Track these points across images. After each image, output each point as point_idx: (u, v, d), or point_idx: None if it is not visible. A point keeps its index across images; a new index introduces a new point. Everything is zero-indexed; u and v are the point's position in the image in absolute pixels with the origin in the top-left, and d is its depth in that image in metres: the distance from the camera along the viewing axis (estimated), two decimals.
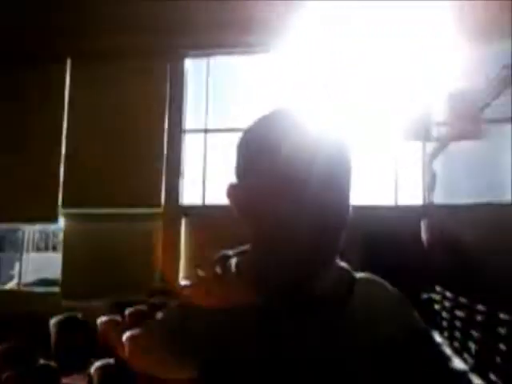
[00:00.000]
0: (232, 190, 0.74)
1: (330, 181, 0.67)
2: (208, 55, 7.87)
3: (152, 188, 7.54)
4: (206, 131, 7.81)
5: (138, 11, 7.28)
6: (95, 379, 2.15)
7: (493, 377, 3.05)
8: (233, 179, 0.75)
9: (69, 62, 7.84)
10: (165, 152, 7.64)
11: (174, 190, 7.59)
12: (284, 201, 0.67)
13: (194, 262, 7.07)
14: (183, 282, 7.06)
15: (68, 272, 7.31)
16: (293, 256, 0.69)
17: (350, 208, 0.71)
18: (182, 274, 7.32)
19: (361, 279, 0.79)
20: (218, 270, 0.75)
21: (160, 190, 7.57)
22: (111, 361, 2.34)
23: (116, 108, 7.52)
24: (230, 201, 0.74)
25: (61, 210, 7.52)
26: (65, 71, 7.81)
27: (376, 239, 6.73)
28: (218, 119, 7.81)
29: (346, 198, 0.70)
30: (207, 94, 7.84)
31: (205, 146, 7.80)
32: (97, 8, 7.35)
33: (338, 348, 0.70)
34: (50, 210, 7.41)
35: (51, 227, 7.25)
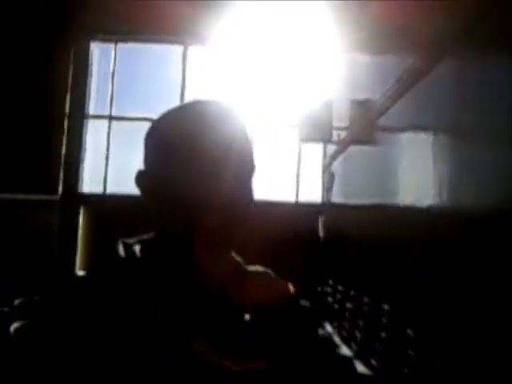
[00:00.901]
0: (140, 177, 0.77)
1: (232, 174, 0.72)
2: (116, 40, 7.62)
3: (49, 174, 7.15)
4: (110, 118, 7.56)
5: None
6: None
7: (374, 362, 3.33)
8: (140, 167, 0.78)
9: None
10: (65, 137, 7.28)
11: (72, 177, 7.26)
12: (187, 190, 0.72)
13: (92, 252, 6.84)
14: (80, 272, 6.80)
15: None
16: (194, 243, 0.73)
17: (251, 203, 0.76)
18: (78, 263, 7.04)
19: (252, 272, 0.84)
20: (122, 252, 0.76)
21: (58, 177, 7.21)
22: None
23: (13, 87, 7.02)
24: (138, 187, 0.77)
25: None
26: None
27: (276, 234, 6.98)
28: (122, 107, 7.60)
29: (247, 192, 0.76)
30: (113, 80, 7.60)
31: (108, 134, 7.55)
32: None
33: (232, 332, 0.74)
34: None
35: None
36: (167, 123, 0.76)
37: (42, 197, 7.10)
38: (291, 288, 0.90)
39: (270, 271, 0.88)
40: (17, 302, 3.90)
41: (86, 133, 7.44)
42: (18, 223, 6.76)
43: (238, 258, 0.84)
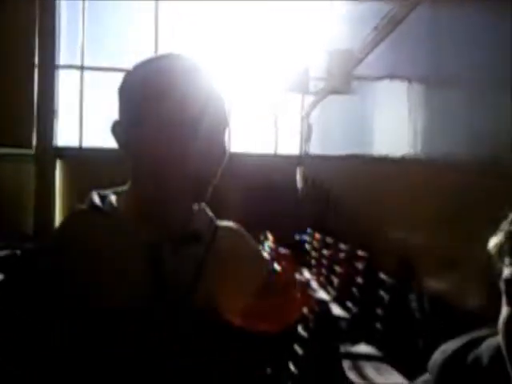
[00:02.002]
0: (115, 128, 0.77)
1: (203, 128, 0.72)
2: None
3: (21, 127, 6.98)
4: (82, 68, 7.34)
5: None
6: None
7: (349, 305, 3.48)
8: (114, 117, 0.78)
9: None
10: (35, 89, 7.06)
11: (46, 130, 7.10)
12: (160, 140, 0.72)
13: (70, 205, 6.80)
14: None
15: None
16: (168, 193, 0.74)
17: (224, 156, 0.76)
18: (56, 217, 7.01)
19: (223, 227, 0.87)
20: (97, 202, 0.77)
21: (31, 130, 7.04)
22: None
23: None
24: (114, 137, 0.77)
25: None
26: None
27: (255, 185, 7.03)
28: (95, 57, 7.37)
29: (219, 146, 0.76)
30: (83, 28, 7.32)
31: (81, 84, 7.35)
32: None
33: (207, 280, 0.76)
34: None
35: None
36: (139, 76, 0.76)
37: (17, 151, 6.96)
38: (257, 246, 0.92)
39: (240, 228, 0.90)
40: None
41: (58, 84, 7.23)
42: None
43: (210, 213, 0.86)
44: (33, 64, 7.04)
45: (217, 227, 0.85)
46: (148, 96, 0.74)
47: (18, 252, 4.05)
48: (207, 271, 0.77)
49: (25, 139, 7.00)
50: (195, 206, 0.83)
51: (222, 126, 0.76)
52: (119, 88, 0.78)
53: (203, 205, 0.85)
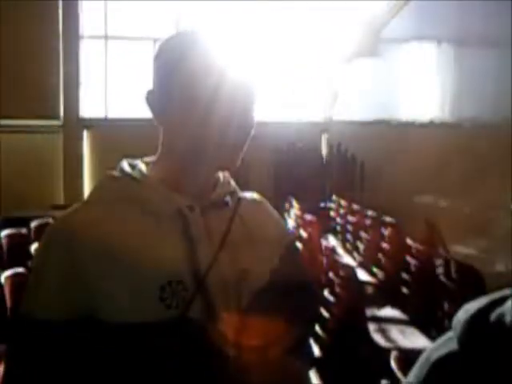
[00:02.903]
0: (149, 96, 0.80)
1: (235, 100, 0.74)
2: None
3: (49, 99, 7.07)
4: (106, 38, 7.34)
5: None
6: (7, 286, 2.18)
7: (375, 270, 3.50)
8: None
9: None
10: (61, 60, 7.11)
11: (73, 102, 7.18)
12: (195, 109, 0.74)
13: (98, 176, 6.94)
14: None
15: None
16: (197, 160, 0.76)
17: (252, 128, 0.77)
18: (85, 187, 7.16)
19: (246, 197, 0.87)
20: (128, 170, 0.79)
21: (58, 102, 7.13)
22: (20, 269, 2.37)
23: (1, 14, 6.76)
24: (148, 106, 0.80)
25: None
26: None
27: (281, 153, 7.02)
28: (118, 26, 7.34)
29: (249, 118, 0.77)
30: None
31: (105, 54, 7.37)
32: None
33: (231, 247, 0.77)
34: None
35: None
36: (172, 47, 0.78)
37: (45, 122, 7.08)
38: (281, 221, 0.94)
39: (263, 199, 0.92)
40: (33, 224, 4.05)
41: (82, 55, 7.27)
42: (24, 148, 6.80)
43: (233, 183, 0.88)
44: (57, 35, 7.07)
45: (240, 198, 0.87)
46: (181, 67, 0.76)
47: (50, 220, 4.19)
48: (232, 238, 0.80)
49: (52, 111, 7.10)
50: (220, 176, 0.85)
51: (251, 97, 0.78)
52: (153, 58, 0.80)
53: (227, 175, 0.87)
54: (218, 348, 0.73)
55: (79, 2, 7.16)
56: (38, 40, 6.96)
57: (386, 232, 3.63)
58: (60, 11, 7.05)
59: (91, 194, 0.81)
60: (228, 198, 0.83)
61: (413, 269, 2.92)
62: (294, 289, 0.81)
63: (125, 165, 0.80)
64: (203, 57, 0.75)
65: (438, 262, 2.83)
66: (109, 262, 0.70)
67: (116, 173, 0.80)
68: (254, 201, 0.89)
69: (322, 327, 2.41)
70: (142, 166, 0.81)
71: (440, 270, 2.78)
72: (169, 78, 0.77)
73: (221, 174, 0.84)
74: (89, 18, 7.37)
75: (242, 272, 0.76)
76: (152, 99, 0.78)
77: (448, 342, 0.55)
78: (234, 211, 0.82)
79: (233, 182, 0.87)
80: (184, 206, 0.76)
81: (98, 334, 0.69)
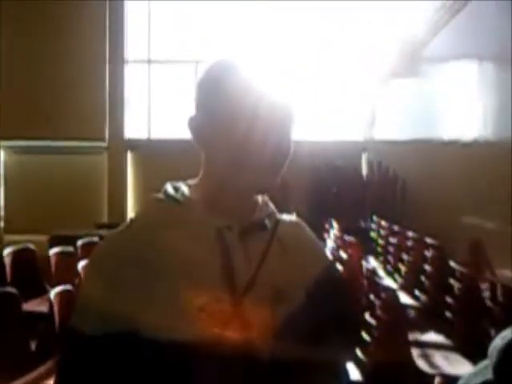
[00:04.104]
0: (191, 122, 0.83)
1: (274, 126, 0.77)
2: None
3: (95, 121, 7.34)
4: (149, 62, 7.59)
5: None
6: (56, 303, 2.26)
7: (417, 292, 3.41)
8: (189, 111, 0.84)
9: None
10: (107, 84, 7.39)
11: (118, 124, 7.43)
12: (236, 134, 0.77)
13: (141, 195, 7.10)
14: (130, 216, 7.09)
15: (10, 206, 7.15)
16: (237, 184, 0.79)
17: (290, 152, 0.80)
18: (128, 206, 7.34)
19: (285, 220, 0.89)
20: (172, 192, 0.82)
21: (104, 124, 7.40)
22: (68, 287, 2.45)
23: (53, 37, 7.11)
24: (190, 132, 0.83)
25: (0, 143, 7.24)
26: None
27: (320, 172, 7.00)
28: (161, 50, 7.58)
29: (287, 143, 0.80)
30: (149, 23, 7.55)
31: (149, 78, 7.60)
32: None
33: (269, 269, 0.79)
34: None
35: None
36: (214, 74, 0.82)
37: (91, 143, 7.34)
38: (320, 245, 0.94)
39: (301, 221, 0.93)
40: (79, 243, 4.19)
41: (126, 78, 7.52)
42: (72, 168, 7.06)
43: (272, 206, 0.90)
44: (104, 60, 7.36)
45: (278, 220, 0.88)
46: (222, 92, 0.79)
47: (96, 239, 4.32)
48: (269, 261, 0.81)
49: (98, 132, 7.36)
50: (259, 198, 0.87)
51: (289, 120, 0.80)
52: (196, 84, 0.84)
53: (266, 198, 0.89)
54: (254, 368, 0.74)
55: (125, 29, 7.44)
56: (86, 65, 7.26)
57: (429, 254, 3.55)
58: (107, 37, 7.35)
59: (136, 216, 0.85)
60: (267, 221, 0.84)
61: (457, 292, 2.84)
62: (331, 314, 0.82)
63: (169, 187, 0.84)
64: (242, 81, 0.79)
65: (484, 285, 2.75)
66: (151, 283, 0.74)
67: (160, 195, 0.84)
68: (292, 223, 0.90)
69: (362, 351, 2.37)
70: (185, 189, 0.84)
71: (486, 294, 2.70)
72: (210, 103, 0.81)
73: (260, 197, 0.86)
74: (133, 43, 7.63)
75: (279, 294, 0.78)
76: (194, 124, 0.82)
77: (484, 370, 0.54)
78: (273, 234, 0.84)
79: (271, 205, 0.89)
80: (223, 227, 0.79)
81: (139, 350, 0.72)
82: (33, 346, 2.32)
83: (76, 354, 0.75)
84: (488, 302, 2.57)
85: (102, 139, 7.39)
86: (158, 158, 6.80)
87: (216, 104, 0.80)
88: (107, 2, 7.34)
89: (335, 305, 0.86)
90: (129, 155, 7.44)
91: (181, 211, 0.81)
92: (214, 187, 0.83)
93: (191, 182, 0.87)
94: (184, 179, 0.89)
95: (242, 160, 0.78)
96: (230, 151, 0.79)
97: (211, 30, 7.44)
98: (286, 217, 0.91)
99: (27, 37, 7.16)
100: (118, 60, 7.44)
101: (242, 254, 0.80)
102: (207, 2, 7.33)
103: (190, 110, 0.86)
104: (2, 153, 7.33)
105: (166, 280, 0.76)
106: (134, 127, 7.60)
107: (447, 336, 2.77)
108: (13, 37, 7.25)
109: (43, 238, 5.66)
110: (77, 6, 7.14)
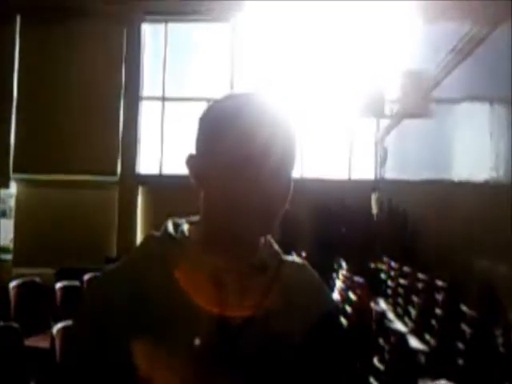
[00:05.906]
0: (189, 160, 0.82)
1: (273, 168, 0.76)
2: (166, 21, 7.71)
3: (108, 156, 7.44)
4: (163, 99, 7.73)
5: None
6: (58, 339, 2.22)
7: (428, 337, 3.31)
8: (191, 149, 0.83)
9: (18, 19, 7.45)
10: (121, 119, 7.52)
11: (130, 159, 7.51)
12: (233, 177, 0.76)
13: (149, 230, 7.10)
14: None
15: (20, 239, 7.18)
16: (235, 225, 0.78)
17: (289, 194, 0.80)
18: (138, 241, 7.33)
19: (289, 261, 0.88)
20: (171, 230, 0.82)
21: (116, 158, 7.48)
22: (71, 322, 2.41)
23: (69, 72, 7.30)
24: (189, 170, 0.82)
25: (12, 175, 7.34)
26: (14, 30, 7.45)
27: (329, 211, 6.96)
28: (175, 87, 7.73)
29: (286, 184, 0.79)
30: (165, 61, 7.73)
31: (162, 114, 7.72)
32: None
33: (269, 310, 0.78)
34: (1, 175, 7.20)
35: (0, 193, 7.05)
36: (213, 113, 0.81)
37: (103, 178, 7.42)
38: (323, 287, 0.91)
39: (306, 263, 0.91)
40: (85, 277, 4.17)
41: (142, 114, 7.65)
42: (79, 203, 7.11)
43: (276, 247, 0.88)
44: (119, 97, 7.51)
45: (282, 261, 0.86)
46: (220, 132, 0.78)
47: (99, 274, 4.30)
48: (268, 304, 0.79)
49: (110, 167, 7.44)
50: (261, 239, 0.85)
51: (289, 161, 0.79)
52: (199, 119, 0.84)
53: (269, 238, 0.87)
54: None
55: (141, 67, 7.62)
56: (102, 99, 7.41)
57: (440, 297, 3.46)
58: (123, 74, 7.52)
59: (131, 254, 0.84)
60: (269, 262, 0.82)
61: (468, 337, 2.75)
62: (330, 362, 0.78)
63: (169, 225, 0.83)
64: (241, 124, 0.77)
65: (497, 331, 2.66)
66: (142, 322, 0.72)
67: (157, 233, 0.82)
68: (295, 265, 0.88)
69: None
70: (186, 227, 0.83)
71: (499, 341, 2.60)
72: (208, 144, 0.80)
73: (262, 238, 0.84)
74: (147, 80, 7.80)
75: (275, 339, 0.75)
76: (192, 163, 0.81)
77: None
78: (274, 275, 0.81)
79: (275, 245, 0.86)
80: (220, 269, 0.77)
81: (129, 380, 0.71)
82: (32, 383, 2.28)
83: None
84: (501, 349, 2.48)
85: (114, 173, 7.46)
86: (169, 193, 6.83)
87: (214, 146, 0.79)
88: (124, 40, 7.55)
89: (333, 354, 0.83)
90: (140, 190, 7.48)
91: (176, 250, 0.80)
92: (213, 227, 0.82)
93: (194, 218, 0.86)
94: (193, 214, 0.88)
95: (238, 203, 0.77)
96: (225, 193, 0.77)
97: (220, 68, 7.59)
98: (289, 258, 0.89)
99: (43, 70, 7.36)
100: (133, 97, 7.59)
101: (237, 296, 0.77)
102: (219, 40, 7.51)
103: (191, 147, 0.85)
104: (15, 185, 7.41)
105: (157, 320, 0.74)
106: (146, 162, 7.67)
107: (458, 383, 2.66)
108: (27, 70, 7.45)
109: (51, 272, 5.65)
110: (96, 40, 7.35)
